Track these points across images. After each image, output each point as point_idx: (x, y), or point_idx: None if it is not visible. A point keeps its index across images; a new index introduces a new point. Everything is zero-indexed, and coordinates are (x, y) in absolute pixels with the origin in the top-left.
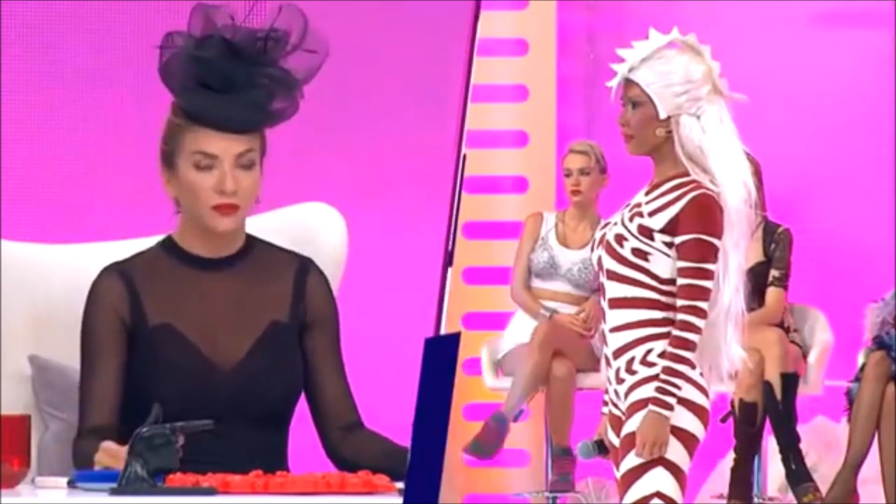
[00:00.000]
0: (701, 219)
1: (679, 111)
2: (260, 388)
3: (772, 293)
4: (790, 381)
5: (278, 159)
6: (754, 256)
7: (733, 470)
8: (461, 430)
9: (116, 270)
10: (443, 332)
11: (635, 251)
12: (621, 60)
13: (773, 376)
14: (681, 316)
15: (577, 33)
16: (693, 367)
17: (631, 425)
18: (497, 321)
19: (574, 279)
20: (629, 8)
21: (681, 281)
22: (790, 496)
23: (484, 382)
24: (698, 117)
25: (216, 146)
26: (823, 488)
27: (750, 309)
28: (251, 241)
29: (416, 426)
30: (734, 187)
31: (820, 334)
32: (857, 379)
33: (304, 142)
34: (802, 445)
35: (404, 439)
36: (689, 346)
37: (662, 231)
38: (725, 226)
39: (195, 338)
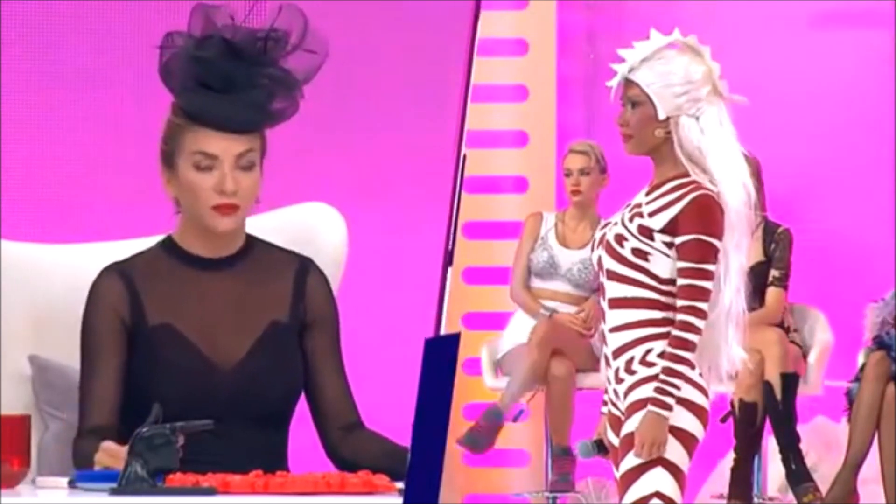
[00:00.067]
0: (701, 219)
1: (678, 112)
2: (260, 388)
3: (772, 293)
4: (790, 381)
5: (278, 159)
6: (754, 256)
7: (733, 470)
8: (461, 430)
9: (116, 270)
10: (443, 332)
11: (635, 251)
12: (621, 60)
13: (773, 376)
14: (680, 316)
15: (577, 33)
16: (692, 367)
17: (630, 425)
18: (497, 321)
19: (574, 279)
20: (629, 8)
21: (681, 281)
22: (790, 496)
23: (484, 382)
24: (697, 118)
25: (216, 146)
26: (823, 488)
27: (750, 309)
28: (251, 241)
29: (416, 426)
30: (733, 189)
31: (820, 334)
32: (857, 379)
33: (304, 142)
34: (802, 445)
35: (404, 439)
36: (688, 346)
37: (662, 231)
38: (726, 227)
39: (195, 338)
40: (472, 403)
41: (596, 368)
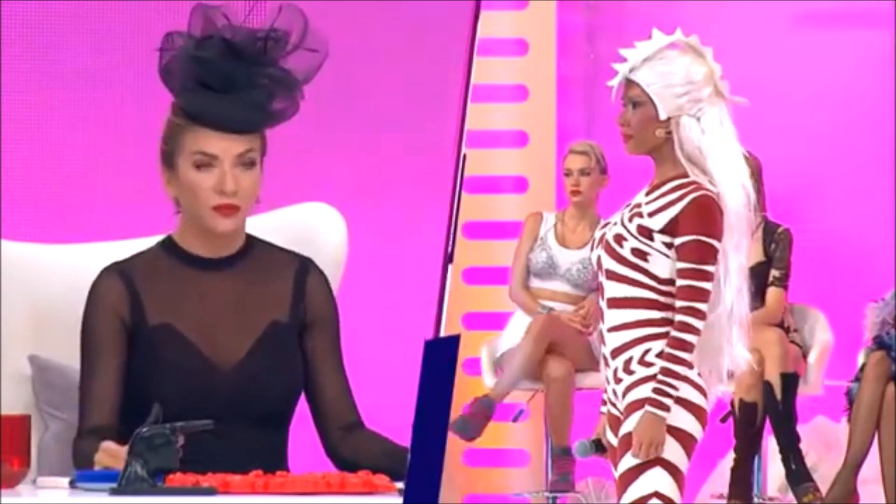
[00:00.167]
0: (701, 220)
1: (679, 112)
2: (260, 388)
3: (772, 293)
4: (790, 381)
5: (278, 159)
6: (754, 256)
7: (733, 470)
8: None
9: (116, 270)
10: (443, 332)
11: (634, 251)
12: (623, 60)
13: (773, 376)
14: (679, 317)
15: (576, 33)
16: (691, 367)
17: (629, 425)
18: (497, 321)
19: (573, 279)
20: (629, 8)
21: (680, 282)
22: (790, 496)
23: (484, 382)
24: (698, 119)
25: (216, 146)
26: (823, 488)
27: (751, 309)
28: (251, 241)
29: (416, 426)
30: (733, 189)
31: (820, 334)
32: (857, 379)
33: (305, 142)
34: (802, 445)
35: (404, 439)
36: (687, 347)
37: (662, 231)
38: (725, 228)
39: (195, 338)
40: None
41: (595, 368)
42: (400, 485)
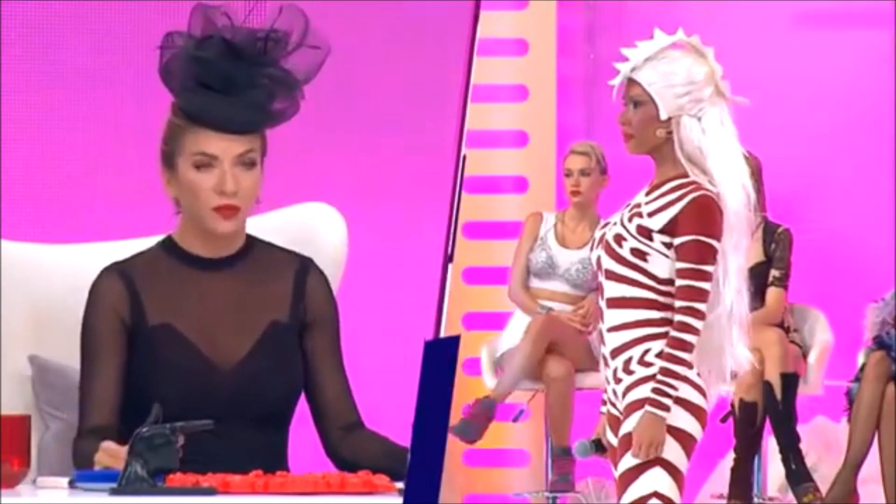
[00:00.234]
0: (700, 220)
1: (680, 112)
2: (260, 388)
3: (772, 293)
4: (790, 381)
5: (278, 159)
6: (754, 256)
7: (733, 470)
8: None
9: (116, 270)
10: (443, 332)
11: (634, 251)
12: (624, 59)
13: (773, 376)
14: (678, 317)
15: (576, 33)
16: (690, 367)
17: (628, 425)
18: (497, 321)
19: (572, 279)
20: (629, 8)
21: (679, 282)
22: (790, 496)
23: (484, 382)
24: (699, 119)
25: (216, 147)
26: (823, 488)
27: (751, 309)
28: (251, 241)
29: (416, 426)
30: (733, 190)
31: (820, 334)
32: (857, 379)
33: (305, 142)
34: (802, 445)
35: (404, 439)
36: (686, 347)
37: (661, 232)
38: (725, 228)
39: (195, 338)
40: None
41: (595, 368)
42: (400, 485)
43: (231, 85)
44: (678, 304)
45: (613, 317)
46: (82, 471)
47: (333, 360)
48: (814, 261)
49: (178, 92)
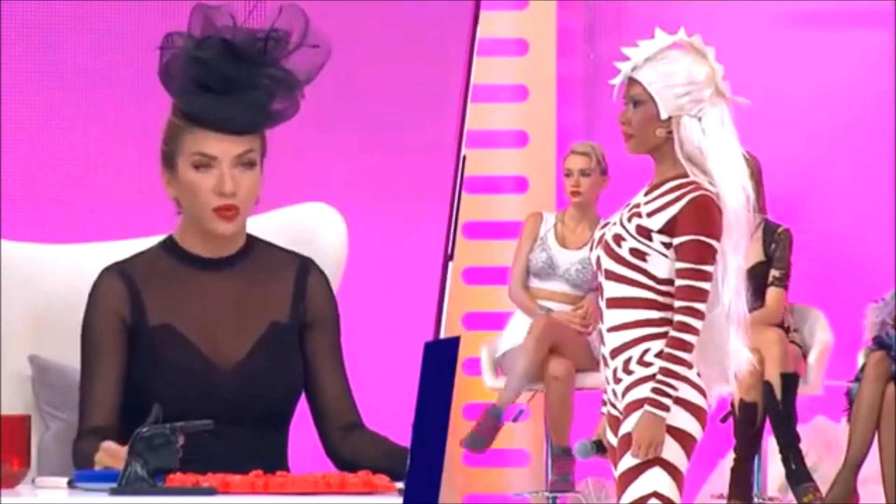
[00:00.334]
0: (700, 220)
1: (680, 112)
2: (260, 389)
3: (772, 293)
4: (790, 381)
5: (278, 159)
6: (754, 256)
7: (733, 470)
8: (461, 430)
9: (117, 270)
10: (443, 332)
11: (633, 251)
12: (625, 58)
13: (773, 376)
14: (678, 317)
15: (576, 33)
16: (690, 367)
17: (628, 425)
18: (497, 321)
19: (572, 279)
20: (629, 8)
21: (679, 282)
22: (790, 496)
23: (484, 382)
24: (699, 119)
25: (215, 147)
26: (823, 488)
27: (750, 309)
28: (252, 241)
29: (416, 426)
30: (733, 190)
31: (820, 334)
32: (857, 379)
33: (305, 142)
34: (802, 445)
35: (404, 439)
36: (686, 347)
37: (661, 231)
38: (724, 228)
39: (195, 338)
40: (472, 403)
41: (595, 368)
42: (400, 485)
43: (230, 85)
44: (678, 304)
45: (613, 317)
46: (82, 471)
47: (333, 360)
48: (814, 261)
49: (178, 93)
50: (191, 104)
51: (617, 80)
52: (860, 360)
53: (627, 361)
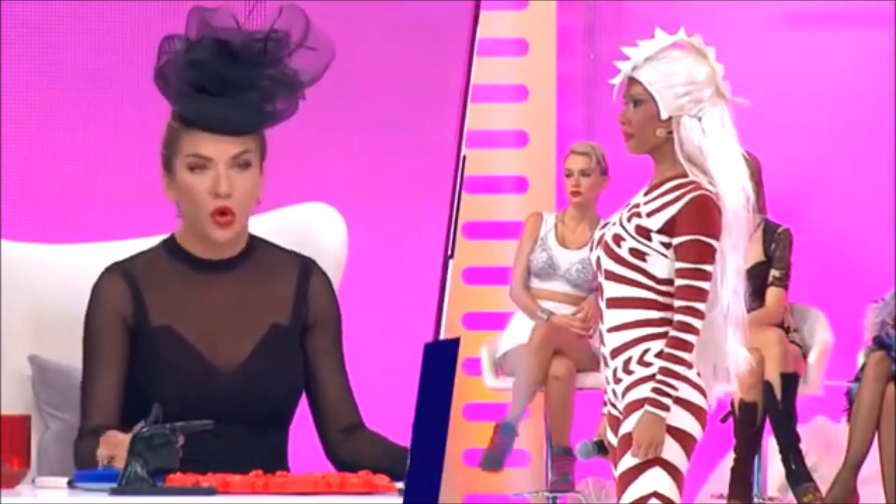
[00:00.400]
0: (699, 220)
1: (681, 112)
2: (261, 390)
3: (772, 293)
4: (790, 381)
5: (278, 159)
6: (754, 256)
7: (733, 470)
8: (461, 430)
9: (119, 270)
10: (443, 332)
11: (633, 251)
12: (625, 58)
13: (773, 376)
14: (678, 317)
15: (576, 33)
16: (690, 367)
17: (628, 425)
18: (497, 321)
19: (573, 279)
20: (629, 8)
21: (678, 282)
22: (790, 496)
23: (484, 382)
24: (699, 119)
25: (211, 149)
26: (823, 488)
27: (750, 309)
28: (254, 241)
29: (416, 426)
30: (732, 190)
31: (820, 334)
32: (857, 379)
33: (305, 142)
34: (802, 445)
35: (404, 439)
36: (686, 346)
37: (660, 231)
38: (724, 227)
39: (196, 340)
40: (472, 403)
41: (596, 368)
42: (400, 485)
43: (226, 86)
44: (677, 303)
45: (613, 317)
46: (82, 471)
47: (334, 361)
48: (814, 261)
49: (174, 96)
50: (187, 106)
51: (617, 80)
52: (860, 360)
53: (627, 361)
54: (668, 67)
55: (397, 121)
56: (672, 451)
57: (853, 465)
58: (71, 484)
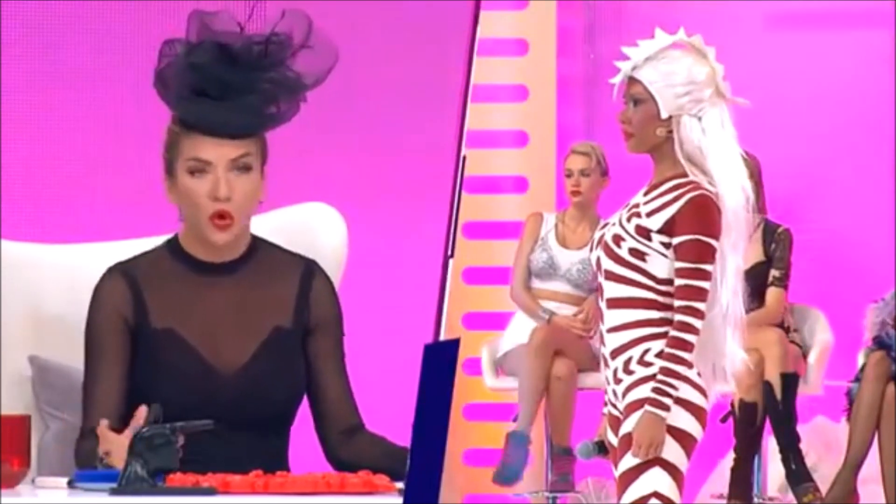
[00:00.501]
0: (699, 219)
1: (681, 111)
2: (262, 393)
3: (772, 293)
4: (790, 381)
5: (279, 160)
6: (754, 256)
7: (733, 470)
8: (461, 430)
9: (120, 271)
10: (443, 332)
11: (633, 251)
12: (625, 58)
13: (773, 376)
14: (678, 317)
15: (576, 33)
16: (690, 367)
17: (628, 425)
18: (497, 321)
19: (573, 279)
20: (629, 8)
21: (678, 282)
22: (790, 496)
23: (484, 382)
24: (699, 119)
25: (210, 152)
26: (823, 488)
27: (750, 309)
28: (256, 243)
29: (416, 426)
30: (732, 190)
31: (820, 334)
32: (857, 379)
33: (305, 142)
34: (802, 445)
35: (404, 439)
36: (686, 346)
37: (660, 231)
38: (723, 227)
39: (197, 342)
40: (472, 403)
41: (596, 368)
42: (400, 485)
43: (226, 90)
44: (678, 303)
45: (613, 317)
46: (82, 471)
47: (336, 363)
48: (814, 261)
49: (174, 100)
50: (186, 110)
51: (617, 79)
52: (860, 360)
53: (628, 362)
54: (668, 67)
55: (397, 121)
56: (672, 451)
57: (853, 465)
58: (71, 484)
